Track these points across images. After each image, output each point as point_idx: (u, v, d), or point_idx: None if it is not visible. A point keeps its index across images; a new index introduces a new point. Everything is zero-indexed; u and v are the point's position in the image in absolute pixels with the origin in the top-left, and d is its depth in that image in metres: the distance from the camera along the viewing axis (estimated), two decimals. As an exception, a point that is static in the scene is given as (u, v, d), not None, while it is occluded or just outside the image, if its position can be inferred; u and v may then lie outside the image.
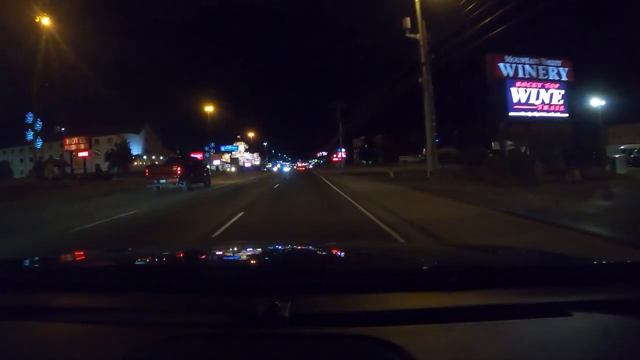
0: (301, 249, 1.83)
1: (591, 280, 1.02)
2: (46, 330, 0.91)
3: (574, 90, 18.61)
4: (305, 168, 79.80)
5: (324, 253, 1.75)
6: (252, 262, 1.61)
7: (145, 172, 17.06)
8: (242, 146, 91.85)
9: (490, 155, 17.35)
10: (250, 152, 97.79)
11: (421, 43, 14.83)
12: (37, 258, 1.54)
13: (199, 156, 42.87)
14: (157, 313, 0.94)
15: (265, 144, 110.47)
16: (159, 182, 15.52)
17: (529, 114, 16.71)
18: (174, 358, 0.79)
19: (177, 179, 15.54)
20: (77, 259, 1.60)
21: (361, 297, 0.93)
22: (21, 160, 61.54)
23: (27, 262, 1.39)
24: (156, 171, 16.78)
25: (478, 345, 0.78)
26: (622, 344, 0.80)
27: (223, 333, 0.85)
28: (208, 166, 33.68)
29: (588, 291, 0.94)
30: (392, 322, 0.83)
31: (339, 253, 1.74)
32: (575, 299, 0.90)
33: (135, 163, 55.73)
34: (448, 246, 2.71)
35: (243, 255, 1.71)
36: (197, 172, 18.16)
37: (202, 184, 18.00)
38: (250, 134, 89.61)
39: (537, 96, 16.84)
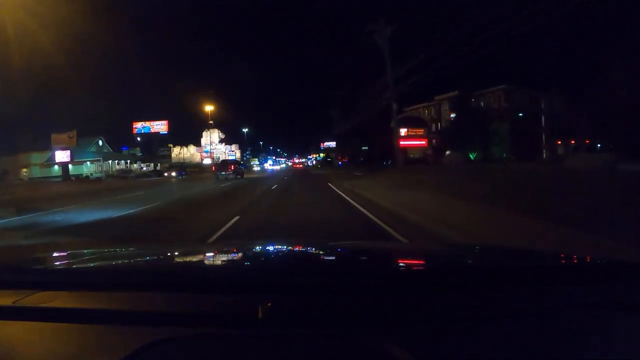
0: (302, 249, 1.88)
1: (588, 280, 1.03)
2: (46, 331, 0.91)
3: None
4: (302, 166, 70.71)
5: (323, 254, 1.77)
6: (252, 262, 1.63)
7: (212, 168, 35.61)
8: (215, 135, 72.95)
9: None
10: (226, 144, 78.03)
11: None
12: (35, 258, 1.68)
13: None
14: (156, 313, 0.93)
15: (245, 130, 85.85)
16: (220, 173, 28.18)
17: None
18: (173, 358, 0.81)
19: (230, 172, 28.36)
20: (77, 259, 1.59)
21: (359, 297, 0.94)
22: None
23: (25, 263, 1.46)
24: (219, 167, 30.71)
25: (472, 347, 0.79)
26: (620, 344, 0.81)
27: (223, 333, 0.85)
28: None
29: (584, 292, 0.95)
30: (388, 323, 0.85)
31: (338, 253, 1.76)
32: (571, 299, 0.92)
33: None
34: (448, 246, 2.70)
35: (243, 255, 1.73)
36: (239, 168, 31.61)
37: (240, 176, 29.67)
38: (209, 107, 57.76)
39: None
